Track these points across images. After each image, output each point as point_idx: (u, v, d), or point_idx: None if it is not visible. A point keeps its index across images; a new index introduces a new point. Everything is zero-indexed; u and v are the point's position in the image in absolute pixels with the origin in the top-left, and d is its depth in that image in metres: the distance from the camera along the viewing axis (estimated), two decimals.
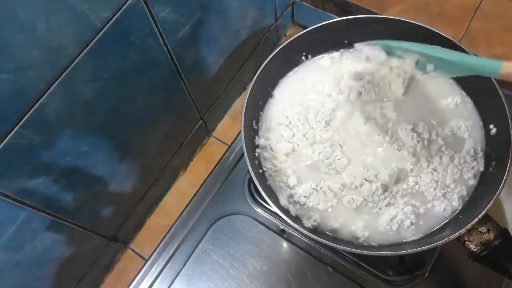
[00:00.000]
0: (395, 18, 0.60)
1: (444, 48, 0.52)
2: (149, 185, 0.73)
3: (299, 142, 0.60)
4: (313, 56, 0.66)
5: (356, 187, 0.56)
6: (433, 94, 0.62)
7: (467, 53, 0.55)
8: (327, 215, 0.56)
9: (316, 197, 0.56)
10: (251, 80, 0.58)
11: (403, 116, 0.61)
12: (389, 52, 0.57)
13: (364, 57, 0.59)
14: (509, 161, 0.50)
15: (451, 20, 0.70)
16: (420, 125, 0.59)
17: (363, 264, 0.65)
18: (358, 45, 0.60)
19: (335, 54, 0.66)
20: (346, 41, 0.65)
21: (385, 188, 0.56)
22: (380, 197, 0.55)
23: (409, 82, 0.62)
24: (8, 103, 0.38)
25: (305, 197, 0.56)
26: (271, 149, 0.60)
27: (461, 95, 0.61)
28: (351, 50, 0.65)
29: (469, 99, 0.61)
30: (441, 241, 0.48)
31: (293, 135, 0.61)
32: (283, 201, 0.56)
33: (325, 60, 0.66)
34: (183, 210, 0.72)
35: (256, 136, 0.61)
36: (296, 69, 0.66)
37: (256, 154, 0.60)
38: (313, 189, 0.57)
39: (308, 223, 0.54)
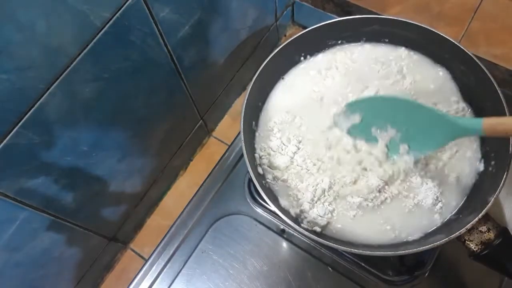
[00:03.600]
0: (395, 18, 0.60)
1: (423, 105, 0.51)
2: (149, 185, 0.73)
3: (298, 142, 0.60)
4: (312, 56, 0.66)
5: (354, 183, 0.56)
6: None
7: (467, 53, 0.55)
8: (327, 216, 0.56)
9: (313, 193, 0.56)
10: (251, 80, 0.58)
11: None
12: (364, 130, 0.56)
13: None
14: (509, 160, 0.50)
15: (451, 20, 0.70)
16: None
17: (363, 264, 0.65)
18: (334, 116, 0.59)
19: (335, 54, 0.66)
20: (345, 41, 0.65)
21: (383, 187, 0.56)
22: (379, 197, 0.55)
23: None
24: (8, 103, 0.39)
25: (308, 201, 0.56)
26: (270, 149, 0.60)
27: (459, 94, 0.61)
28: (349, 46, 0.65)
29: (468, 99, 0.61)
30: (441, 241, 0.48)
31: (293, 135, 0.60)
32: (282, 201, 0.56)
33: (324, 60, 0.66)
34: (183, 210, 0.72)
35: (256, 136, 0.61)
36: (296, 69, 0.66)
37: (256, 154, 0.60)
38: (313, 188, 0.57)
39: (309, 226, 0.54)
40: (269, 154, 0.60)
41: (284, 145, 0.60)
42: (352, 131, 0.58)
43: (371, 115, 0.56)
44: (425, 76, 0.62)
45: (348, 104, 0.58)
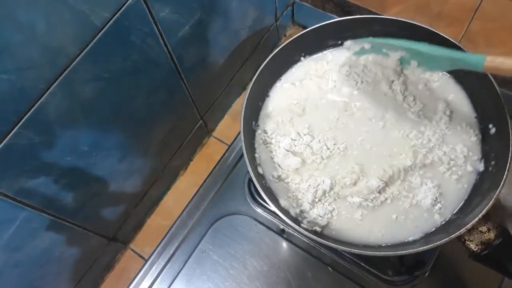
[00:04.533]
0: (395, 18, 0.60)
1: (428, 44, 0.53)
2: (149, 185, 0.73)
3: (297, 142, 0.60)
4: (312, 55, 0.66)
5: (354, 184, 0.56)
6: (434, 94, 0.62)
7: (464, 51, 0.55)
8: (327, 216, 0.56)
9: (314, 194, 0.56)
10: (251, 80, 0.58)
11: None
12: (374, 49, 0.59)
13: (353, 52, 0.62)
14: (509, 160, 0.50)
15: (451, 20, 0.70)
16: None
17: (363, 264, 0.65)
18: (346, 43, 0.62)
19: (334, 53, 0.66)
20: (345, 42, 0.65)
21: (383, 188, 0.56)
22: (379, 197, 0.55)
23: (404, 80, 0.62)
24: (8, 103, 0.38)
25: (309, 202, 0.56)
26: (270, 149, 0.60)
27: (460, 93, 0.61)
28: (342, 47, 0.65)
29: (467, 99, 0.61)
30: (441, 241, 0.48)
31: (292, 134, 0.61)
32: (282, 201, 0.56)
33: (323, 59, 0.66)
34: (183, 210, 0.72)
35: (256, 136, 0.61)
36: (296, 68, 0.66)
37: (256, 154, 0.60)
38: (313, 187, 0.57)
39: (309, 226, 0.54)
40: (270, 152, 0.60)
41: (284, 144, 0.60)
42: (361, 52, 0.61)
43: (381, 47, 0.59)
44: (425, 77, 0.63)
45: (356, 52, 0.62)
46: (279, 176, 0.58)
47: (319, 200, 0.56)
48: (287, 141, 0.60)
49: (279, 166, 0.59)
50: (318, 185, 0.56)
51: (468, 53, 0.51)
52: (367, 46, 0.61)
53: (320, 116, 0.62)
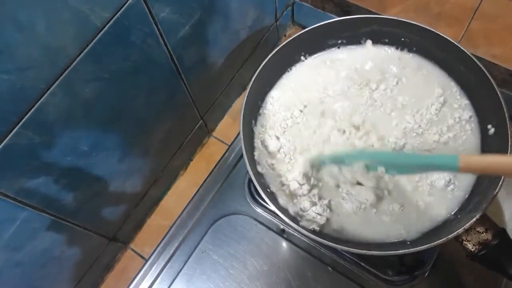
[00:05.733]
0: (395, 18, 0.60)
1: (393, 154, 0.51)
2: (149, 185, 0.73)
3: (297, 141, 0.60)
4: (311, 55, 0.66)
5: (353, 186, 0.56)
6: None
7: (466, 53, 0.55)
8: (326, 214, 0.56)
9: (314, 192, 0.56)
10: (251, 80, 0.58)
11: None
12: (336, 161, 0.55)
13: None
14: None
15: (451, 20, 0.70)
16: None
17: (363, 264, 0.65)
18: (307, 157, 0.58)
19: (335, 53, 0.66)
20: (345, 41, 0.65)
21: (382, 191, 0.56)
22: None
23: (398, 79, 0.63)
24: (8, 103, 0.39)
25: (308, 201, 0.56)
26: (269, 149, 0.60)
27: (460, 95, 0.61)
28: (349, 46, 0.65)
29: (467, 99, 0.61)
30: (439, 241, 0.48)
31: (292, 134, 0.61)
32: (282, 200, 0.56)
33: (323, 58, 0.66)
34: (183, 210, 0.72)
35: (255, 136, 0.61)
36: (295, 68, 0.66)
37: (256, 154, 0.60)
38: (313, 185, 0.57)
39: (308, 224, 0.54)
40: (269, 153, 0.60)
41: (284, 143, 0.60)
42: (322, 163, 0.57)
43: (343, 160, 0.54)
44: (425, 77, 0.63)
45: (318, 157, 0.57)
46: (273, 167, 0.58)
47: (320, 199, 0.56)
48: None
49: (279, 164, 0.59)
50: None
51: (437, 155, 0.47)
52: (327, 161, 0.56)
53: (318, 116, 0.62)
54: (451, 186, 0.55)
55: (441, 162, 0.45)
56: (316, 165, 0.57)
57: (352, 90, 0.63)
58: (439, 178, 0.55)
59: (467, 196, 0.55)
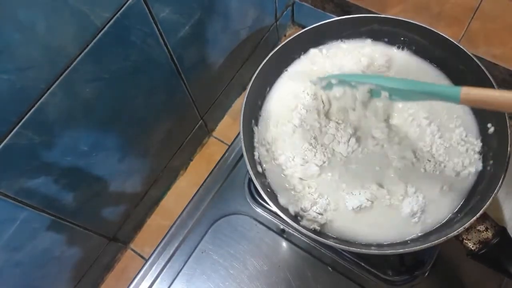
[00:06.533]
0: (395, 18, 0.60)
1: (400, 79, 0.51)
2: (149, 185, 0.73)
3: (296, 141, 0.60)
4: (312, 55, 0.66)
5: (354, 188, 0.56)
6: None
7: (467, 53, 0.55)
8: (327, 214, 0.56)
9: (314, 192, 0.56)
10: (251, 79, 0.58)
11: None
12: (342, 83, 0.56)
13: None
14: (507, 160, 0.50)
15: (451, 20, 0.70)
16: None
17: (363, 264, 0.65)
18: (313, 79, 0.60)
19: (335, 52, 0.66)
20: (346, 41, 0.65)
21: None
22: (379, 196, 0.56)
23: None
24: (9, 103, 0.39)
25: (309, 200, 0.56)
26: (269, 150, 0.60)
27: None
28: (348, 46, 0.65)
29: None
30: (439, 240, 0.48)
31: (292, 134, 0.61)
32: (282, 200, 0.56)
33: (324, 58, 0.66)
34: (183, 210, 0.72)
35: (255, 136, 0.61)
36: (296, 67, 0.66)
37: (256, 153, 0.60)
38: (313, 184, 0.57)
39: (308, 224, 0.54)
40: (272, 153, 0.60)
41: (283, 143, 0.60)
42: (328, 86, 0.57)
43: (349, 81, 0.55)
44: (425, 77, 0.62)
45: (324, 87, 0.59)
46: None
47: (320, 197, 0.56)
48: None
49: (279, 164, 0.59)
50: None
51: (443, 86, 0.48)
52: (334, 81, 0.56)
53: (318, 115, 0.62)
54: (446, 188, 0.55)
55: (443, 91, 0.46)
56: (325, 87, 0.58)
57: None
58: (439, 180, 0.55)
59: (467, 195, 0.55)
